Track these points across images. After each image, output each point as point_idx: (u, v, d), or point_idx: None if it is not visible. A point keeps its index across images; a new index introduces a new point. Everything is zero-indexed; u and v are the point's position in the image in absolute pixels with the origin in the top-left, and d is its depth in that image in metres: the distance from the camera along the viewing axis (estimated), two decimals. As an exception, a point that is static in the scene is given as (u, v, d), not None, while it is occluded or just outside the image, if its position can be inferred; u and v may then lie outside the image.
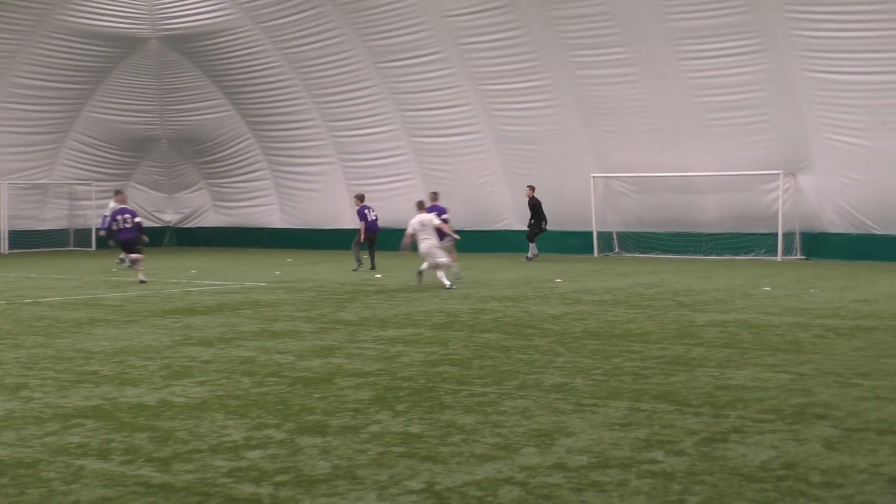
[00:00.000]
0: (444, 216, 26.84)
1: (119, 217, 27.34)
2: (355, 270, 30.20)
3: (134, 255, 26.80)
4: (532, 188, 35.85)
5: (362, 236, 31.05)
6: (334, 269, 31.19)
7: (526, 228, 36.20)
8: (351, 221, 43.28)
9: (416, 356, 13.41)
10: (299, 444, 8.50)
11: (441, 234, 25.65)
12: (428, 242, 24.66)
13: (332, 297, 22.22)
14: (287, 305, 20.32)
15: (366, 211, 31.12)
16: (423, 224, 24.94)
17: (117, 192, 30.52)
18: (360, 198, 32.12)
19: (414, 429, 9.07)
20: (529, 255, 35.18)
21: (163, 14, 42.87)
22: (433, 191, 31.13)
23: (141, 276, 26.40)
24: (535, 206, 35.53)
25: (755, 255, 35.77)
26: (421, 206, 26.44)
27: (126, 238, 27.15)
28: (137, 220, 27.38)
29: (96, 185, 45.34)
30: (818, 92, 33.02)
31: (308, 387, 11.18)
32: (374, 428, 9.11)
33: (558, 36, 36.19)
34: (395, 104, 40.98)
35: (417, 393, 10.79)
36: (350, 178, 43.38)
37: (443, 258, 24.78)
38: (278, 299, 21.63)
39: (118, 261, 30.86)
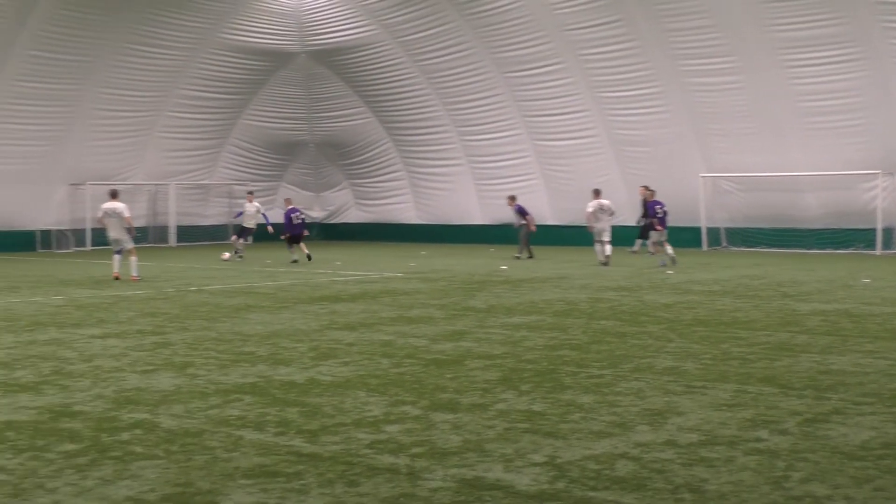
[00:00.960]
0: (664, 208, 29.46)
1: (293, 215, 31.36)
2: (518, 258, 32.19)
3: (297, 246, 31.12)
4: (646, 188, 35.19)
5: (532, 227, 33.26)
6: (464, 261, 31.29)
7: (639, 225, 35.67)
8: (480, 217, 43.45)
9: (538, 341, 13.38)
10: (433, 420, 8.55)
11: (648, 228, 30.74)
12: (602, 224, 29.58)
13: (462, 286, 22.28)
14: (421, 294, 20.43)
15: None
16: (602, 208, 29.89)
17: (250, 193, 35.28)
18: (513, 198, 34.03)
19: (537, 407, 9.06)
20: (635, 248, 34.50)
21: (311, 31, 43.44)
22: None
23: (295, 257, 30.83)
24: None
25: (855, 250, 34.92)
26: (597, 194, 30.53)
27: (296, 233, 31.25)
28: (303, 217, 31.89)
29: (251, 185, 46.12)
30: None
31: (441, 368, 11.23)
32: (501, 406, 9.11)
33: (669, 47, 35.82)
34: (520, 110, 40.94)
35: (540, 374, 10.77)
36: (478, 178, 43.47)
37: (606, 238, 29.44)
38: (414, 288, 21.75)
39: (292, 261, 31.52)
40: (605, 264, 28.68)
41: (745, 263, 29.50)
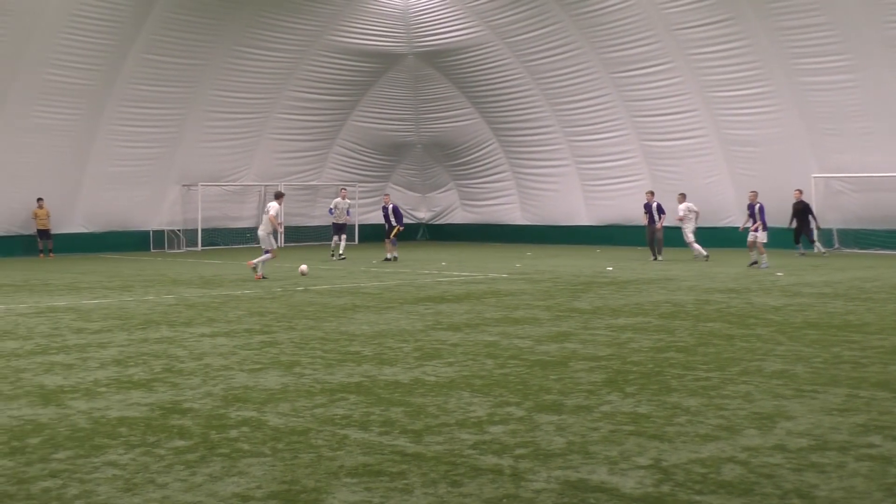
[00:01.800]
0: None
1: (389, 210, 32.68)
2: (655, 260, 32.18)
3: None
4: (800, 191, 34.39)
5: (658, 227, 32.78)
6: (570, 262, 31.15)
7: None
8: (586, 218, 43.18)
9: (644, 343, 13.26)
10: (537, 421, 8.52)
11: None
12: (689, 225, 32.42)
13: (567, 287, 22.18)
14: (526, 295, 20.39)
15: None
16: (689, 210, 32.34)
17: (343, 189, 36.05)
18: (652, 193, 33.50)
19: (642, 409, 8.97)
20: (815, 249, 33.90)
21: (418, 32, 43.69)
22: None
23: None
24: (804, 209, 34.08)
25: (973, 251, 33.95)
26: (682, 198, 32.63)
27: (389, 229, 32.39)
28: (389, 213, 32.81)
29: (360, 186, 46.58)
30: None
31: (545, 369, 11.19)
32: (606, 408, 9.05)
33: (781, 45, 35.20)
34: (627, 111, 40.62)
35: (646, 376, 10.66)
36: (584, 178, 43.23)
37: (690, 237, 32.27)
38: (518, 289, 21.72)
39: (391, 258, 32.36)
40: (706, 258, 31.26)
41: (858, 265, 28.84)
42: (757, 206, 28.96)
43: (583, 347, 12.85)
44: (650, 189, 34.79)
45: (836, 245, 36.89)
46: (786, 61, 35.41)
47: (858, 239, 36.57)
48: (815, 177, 36.63)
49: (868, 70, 33.91)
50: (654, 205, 32.44)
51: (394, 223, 32.50)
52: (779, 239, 35.64)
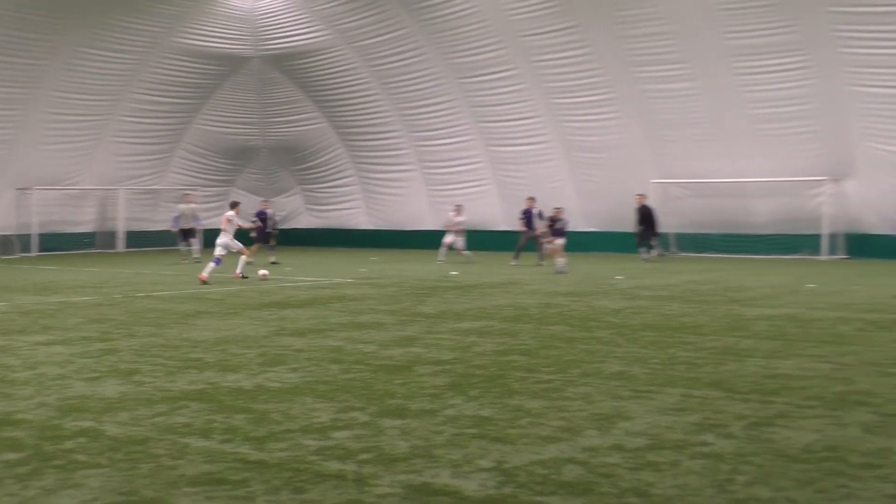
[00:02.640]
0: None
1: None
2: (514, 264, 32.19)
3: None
4: (643, 195, 34.94)
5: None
6: (415, 267, 31.28)
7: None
8: (431, 223, 43.37)
9: (488, 346, 13.40)
10: (381, 426, 8.53)
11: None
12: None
13: (412, 292, 22.27)
14: (372, 300, 20.40)
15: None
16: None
17: (186, 195, 36.45)
18: (533, 199, 34.29)
19: (485, 412, 9.06)
20: (646, 255, 34.39)
21: (264, 35, 43.30)
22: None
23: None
24: (648, 214, 34.56)
25: (802, 255, 35.32)
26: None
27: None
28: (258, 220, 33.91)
29: (202, 191, 45.87)
30: (862, 105, 32.62)
31: (390, 373, 11.21)
32: (450, 411, 9.11)
33: (623, 53, 36.04)
34: (473, 116, 41.01)
35: (489, 380, 10.78)
36: (430, 184, 43.49)
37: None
38: (364, 294, 21.72)
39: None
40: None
41: (695, 269, 29.73)
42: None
43: (427, 352, 12.91)
44: (531, 195, 35.05)
45: (674, 249, 37.94)
46: (627, 69, 36.28)
47: (695, 243, 37.69)
48: (654, 182, 37.59)
49: (706, 79, 34.99)
50: (536, 211, 33.18)
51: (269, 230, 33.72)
52: (623, 243, 36.53)
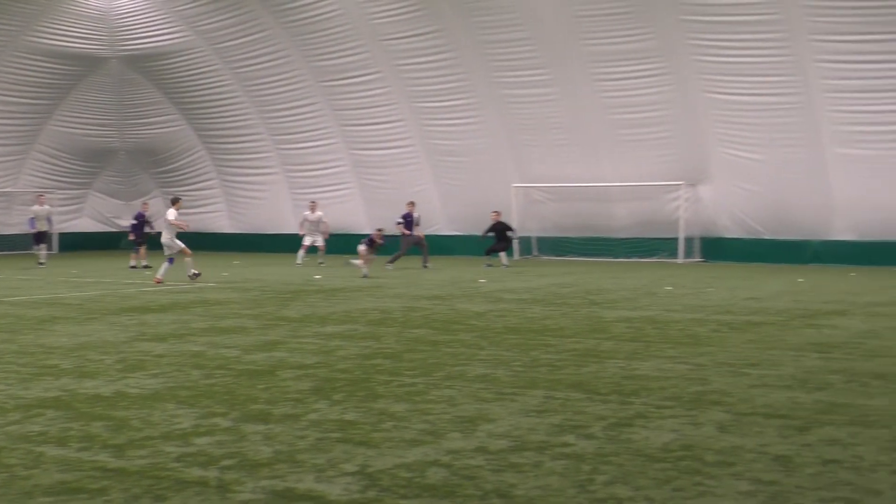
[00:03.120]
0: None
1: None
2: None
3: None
4: (498, 213, 34.78)
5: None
6: (278, 270, 31.04)
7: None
8: (294, 226, 43.04)
9: (352, 350, 13.37)
10: (244, 431, 8.44)
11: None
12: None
13: (276, 296, 22.09)
14: (234, 304, 20.17)
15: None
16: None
17: (40, 195, 35.39)
18: (413, 203, 34.08)
19: (349, 416, 9.04)
20: (506, 262, 34.32)
21: (123, 36, 42.42)
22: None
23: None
24: (501, 230, 34.45)
25: (659, 258, 36.13)
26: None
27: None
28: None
29: (59, 193, 44.73)
30: (716, 111, 33.50)
31: (253, 378, 11.10)
32: (313, 416, 9.06)
33: (485, 58, 36.33)
34: (336, 119, 40.88)
35: (353, 384, 10.75)
36: (293, 187, 43.20)
37: None
38: (226, 298, 21.46)
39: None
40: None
41: (556, 272, 30.15)
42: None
43: (291, 356, 12.82)
44: (411, 200, 34.89)
45: (536, 253, 38.43)
46: (489, 74, 36.61)
47: (556, 246, 38.24)
48: (515, 186, 38.02)
49: (566, 84, 35.50)
50: (416, 216, 33.35)
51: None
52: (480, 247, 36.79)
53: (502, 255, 33.45)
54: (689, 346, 13.64)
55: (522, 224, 37.93)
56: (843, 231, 33.37)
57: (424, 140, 39.26)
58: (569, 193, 37.69)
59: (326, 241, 35.63)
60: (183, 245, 26.32)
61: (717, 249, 35.79)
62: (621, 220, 37.17)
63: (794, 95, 31.94)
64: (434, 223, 39.84)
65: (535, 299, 21.00)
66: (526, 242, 38.46)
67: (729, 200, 34.92)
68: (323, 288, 24.24)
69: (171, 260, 26.04)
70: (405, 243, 33.20)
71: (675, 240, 35.93)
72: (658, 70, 33.95)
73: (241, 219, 45.66)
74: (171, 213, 26.49)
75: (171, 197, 30.14)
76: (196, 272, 26.46)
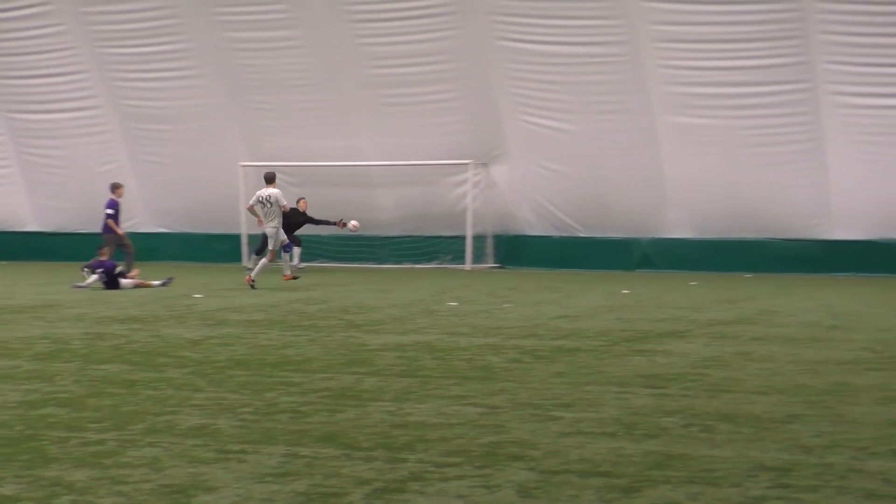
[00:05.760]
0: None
1: None
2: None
3: None
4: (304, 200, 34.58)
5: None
6: None
7: None
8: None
9: (11, 396, 13.03)
10: None
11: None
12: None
13: None
14: None
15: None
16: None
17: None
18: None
19: (7, 490, 8.80)
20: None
21: None
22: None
23: None
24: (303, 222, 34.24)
25: (440, 263, 36.62)
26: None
27: None
28: None
29: None
30: (512, 64, 34.04)
31: None
32: (-46, 490, 8.80)
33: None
34: (-14, 70, 39.84)
35: (13, 443, 10.47)
36: None
37: None
38: None
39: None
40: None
41: (301, 284, 30.15)
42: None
43: (-77, 405, 12.41)
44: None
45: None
46: (206, 10, 36.26)
47: (302, 248, 38.16)
48: (243, 165, 37.70)
49: (312, 26, 35.43)
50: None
51: None
52: (206, 249, 36.49)
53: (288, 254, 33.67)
54: (480, 382, 13.84)
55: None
56: (678, 226, 34.49)
57: (115, 100, 38.63)
58: (316, 175, 37.67)
59: None
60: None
61: (516, 252, 36.48)
62: (388, 211, 37.43)
63: (617, 45, 32.86)
64: (131, 216, 39.09)
65: (271, 321, 20.95)
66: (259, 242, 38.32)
67: (531, 186, 35.63)
68: (-30, 308, 23.58)
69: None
70: (109, 243, 31.95)
71: (462, 239, 36.44)
72: (438, 9, 34.26)
73: None
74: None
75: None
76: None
